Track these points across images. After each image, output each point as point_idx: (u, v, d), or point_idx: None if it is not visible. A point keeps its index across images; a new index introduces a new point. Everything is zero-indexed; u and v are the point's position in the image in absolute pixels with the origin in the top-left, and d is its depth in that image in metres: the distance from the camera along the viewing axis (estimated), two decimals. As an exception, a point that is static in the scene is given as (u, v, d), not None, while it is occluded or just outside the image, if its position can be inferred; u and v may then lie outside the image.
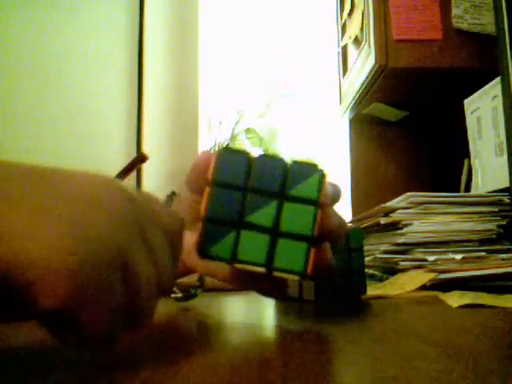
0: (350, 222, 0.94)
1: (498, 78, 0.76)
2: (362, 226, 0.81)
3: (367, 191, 1.28)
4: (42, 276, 0.18)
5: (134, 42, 1.59)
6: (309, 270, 0.27)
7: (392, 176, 1.29)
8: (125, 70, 1.58)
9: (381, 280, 0.65)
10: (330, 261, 0.31)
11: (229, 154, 0.28)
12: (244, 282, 0.33)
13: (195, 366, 0.22)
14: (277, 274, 0.27)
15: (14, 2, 1.52)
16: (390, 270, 0.67)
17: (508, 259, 0.61)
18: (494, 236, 0.67)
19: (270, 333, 0.34)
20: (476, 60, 0.94)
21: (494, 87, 0.80)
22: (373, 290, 0.53)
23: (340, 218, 0.32)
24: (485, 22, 0.94)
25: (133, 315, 0.22)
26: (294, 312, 0.43)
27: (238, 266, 0.27)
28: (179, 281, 0.40)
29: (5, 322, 0.21)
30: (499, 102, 0.77)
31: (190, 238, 0.34)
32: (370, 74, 0.99)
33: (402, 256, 0.65)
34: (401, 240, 0.66)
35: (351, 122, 1.33)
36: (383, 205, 0.75)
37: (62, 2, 1.55)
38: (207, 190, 0.28)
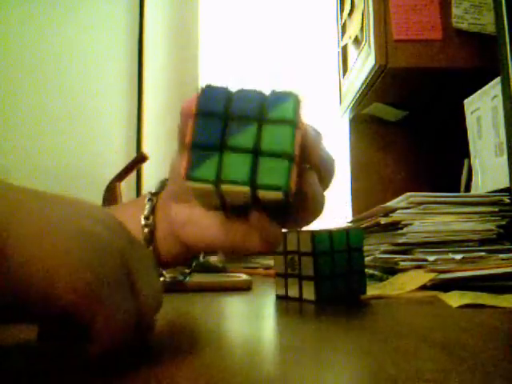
0: (350, 222, 0.94)
1: (498, 78, 0.76)
2: (362, 226, 0.81)
3: (367, 191, 1.28)
4: (57, 275, 0.19)
5: (134, 42, 1.59)
6: (292, 186, 0.28)
7: (392, 176, 1.29)
8: (125, 70, 1.58)
9: (381, 280, 0.65)
10: (315, 186, 0.31)
11: (209, 89, 0.29)
12: (234, 238, 0.33)
13: (194, 367, 0.22)
14: (261, 193, 0.28)
15: (14, 1, 1.52)
16: (390, 270, 0.67)
17: (508, 259, 0.61)
18: (494, 236, 0.66)
19: (269, 333, 0.34)
20: (476, 60, 0.94)
21: (494, 87, 0.80)
22: (373, 290, 0.53)
23: (327, 151, 0.32)
24: (485, 22, 0.94)
25: (137, 325, 0.22)
26: (294, 312, 0.43)
27: (223, 187, 0.28)
28: (168, 270, 0.41)
29: (13, 322, 0.22)
30: (499, 102, 0.77)
31: (186, 210, 0.35)
32: (369, 74, 0.99)
33: (402, 256, 0.65)
34: (401, 240, 0.66)
35: (351, 122, 1.33)
36: (383, 205, 0.75)
37: (62, 2, 1.55)
38: (190, 121, 0.29)
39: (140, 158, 1.18)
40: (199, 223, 0.34)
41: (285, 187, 0.27)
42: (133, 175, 1.34)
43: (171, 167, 0.36)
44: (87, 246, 0.21)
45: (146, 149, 1.51)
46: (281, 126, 0.28)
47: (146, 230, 0.38)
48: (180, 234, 0.36)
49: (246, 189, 0.28)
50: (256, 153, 0.28)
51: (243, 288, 0.60)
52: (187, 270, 0.44)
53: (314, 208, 0.31)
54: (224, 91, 0.29)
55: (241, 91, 0.29)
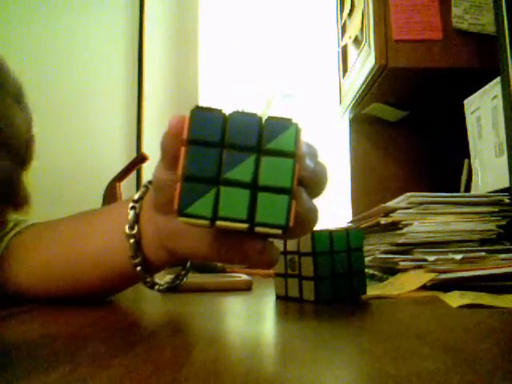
0: (350, 222, 0.94)
1: (498, 78, 0.76)
2: (362, 226, 0.81)
3: (367, 191, 1.28)
4: None
5: (134, 42, 1.59)
6: (290, 222, 0.27)
7: (392, 176, 1.29)
8: (125, 70, 1.58)
9: (381, 280, 0.65)
10: (305, 203, 0.29)
11: (202, 112, 0.27)
12: (226, 254, 0.32)
13: (194, 367, 0.22)
14: (259, 229, 0.27)
15: (14, 2, 1.52)
16: (390, 270, 0.67)
17: (508, 259, 0.61)
18: (494, 236, 0.66)
19: (269, 333, 0.34)
20: (476, 60, 0.94)
21: (494, 87, 0.80)
22: (373, 290, 0.53)
23: (318, 163, 0.31)
24: (485, 22, 0.94)
25: None
26: (294, 312, 0.43)
27: (220, 223, 0.27)
28: (160, 273, 0.40)
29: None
30: (499, 102, 0.77)
31: (173, 222, 0.33)
32: (370, 74, 0.99)
33: (402, 256, 0.65)
34: (401, 240, 0.66)
35: (351, 121, 1.33)
36: (383, 205, 0.75)
37: (62, 2, 1.55)
38: (183, 149, 0.27)
39: (140, 158, 1.18)
40: (189, 237, 0.33)
41: (284, 225, 0.26)
42: (133, 175, 1.34)
43: (154, 177, 0.33)
44: None
45: (145, 149, 1.51)
46: (280, 159, 0.27)
47: (131, 240, 0.36)
48: (168, 245, 0.34)
49: (244, 226, 0.27)
50: (254, 187, 0.27)
51: (243, 288, 0.60)
52: (183, 272, 0.43)
53: (306, 224, 0.30)
54: (219, 116, 0.27)
55: (236, 116, 0.27)
